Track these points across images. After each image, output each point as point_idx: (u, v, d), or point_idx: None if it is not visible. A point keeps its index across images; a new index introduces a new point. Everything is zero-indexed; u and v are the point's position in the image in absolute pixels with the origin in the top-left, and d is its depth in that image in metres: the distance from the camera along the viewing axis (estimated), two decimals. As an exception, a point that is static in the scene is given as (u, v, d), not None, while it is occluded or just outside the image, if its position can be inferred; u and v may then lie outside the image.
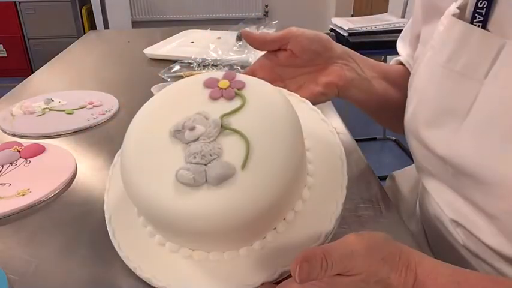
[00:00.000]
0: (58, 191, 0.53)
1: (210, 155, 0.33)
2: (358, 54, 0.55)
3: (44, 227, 0.47)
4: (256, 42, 0.52)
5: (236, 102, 0.37)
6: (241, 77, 0.39)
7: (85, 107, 0.76)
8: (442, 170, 0.45)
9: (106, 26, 2.43)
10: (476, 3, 0.38)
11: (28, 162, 0.58)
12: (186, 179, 0.32)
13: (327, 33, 1.79)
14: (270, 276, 0.35)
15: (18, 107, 0.75)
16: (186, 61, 0.99)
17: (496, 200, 0.38)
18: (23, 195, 0.51)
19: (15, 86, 0.90)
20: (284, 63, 0.53)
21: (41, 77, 0.99)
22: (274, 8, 3.56)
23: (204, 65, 0.97)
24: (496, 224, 0.40)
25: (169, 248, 0.38)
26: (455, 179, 0.43)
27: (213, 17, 3.52)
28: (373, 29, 1.85)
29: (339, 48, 0.53)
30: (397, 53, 0.64)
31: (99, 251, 0.43)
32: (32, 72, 1.01)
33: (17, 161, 0.59)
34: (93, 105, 0.76)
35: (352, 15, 3.32)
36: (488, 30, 0.37)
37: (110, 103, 0.78)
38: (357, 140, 0.65)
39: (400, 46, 0.63)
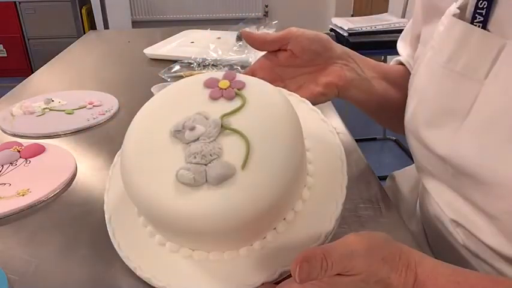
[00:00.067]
0: (58, 191, 0.53)
1: (210, 155, 0.33)
2: (358, 54, 0.55)
3: (44, 227, 0.47)
4: (256, 43, 0.52)
5: (236, 102, 0.37)
6: (241, 77, 0.39)
7: (85, 107, 0.76)
8: (442, 170, 0.45)
9: (106, 26, 2.43)
10: (477, 4, 0.38)
11: (28, 162, 0.58)
12: (186, 179, 0.32)
13: (327, 33, 1.79)
14: (270, 276, 0.35)
15: (18, 107, 0.75)
16: (186, 61, 0.99)
17: (496, 200, 0.38)
18: (23, 195, 0.51)
19: (15, 86, 0.91)
20: (284, 64, 0.53)
21: (41, 77, 0.99)
22: (274, 8, 3.56)
23: (204, 65, 0.97)
24: (496, 224, 0.40)
25: (169, 248, 0.38)
26: (455, 179, 0.43)
27: (213, 17, 3.52)
28: (373, 29, 1.85)
29: (339, 48, 0.53)
30: (397, 53, 0.64)
31: (99, 251, 0.43)
32: (32, 72, 1.01)
33: (17, 161, 0.59)
34: (93, 105, 0.76)
35: (352, 15, 3.32)
36: (488, 31, 0.37)
37: (110, 103, 0.78)
38: (357, 140, 0.65)
39: (401, 46, 0.63)
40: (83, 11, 2.99)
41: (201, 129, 0.35)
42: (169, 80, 0.90)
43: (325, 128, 0.43)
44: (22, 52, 3.16)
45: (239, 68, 0.95)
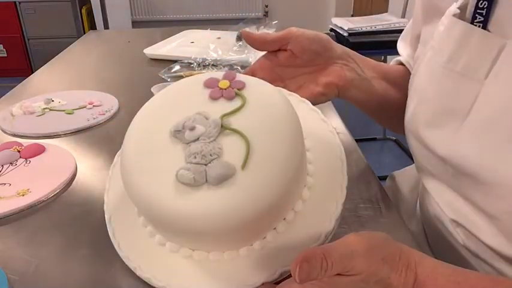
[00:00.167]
0: (58, 191, 0.53)
1: (210, 155, 0.33)
2: (358, 54, 0.55)
3: (44, 227, 0.47)
4: (256, 43, 0.52)
5: (236, 102, 0.37)
6: (241, 77, 0.39)
7: (85, 107, 0.76)
8: (442, 170, 0.45)
9: (106, 26, 2.43)
10: (477, 4, 0.38)
11: (28, 162, 0.58)
12: (186, 179, 0.32)
13: (327, 33, 1.79)
14: (270, 276, 0.35)
15: (18, 107, 0.75)
16: (186, 61, 0.99)
17: (496, 200, 0.38)
18: (23, 195, 0.51)
19: (15, 86, 0.91)
20: (284, 64, 0.53)
21: (41, 77, 0.99)
22: (274, 8, 3.56)
23: (204, 65, 0.97)
24: (496, 224, 0.40)
25: (169, 248, 0.38)
26: (455, 179, 0.43)
27: (213, 17, 3.52)
28: (373, 29, 1.85)
29: (339, 48, 0.53)
30: (397, 53, 0.64)
31: (99, 251, 0.43)
32: (32, 72, 1.01)
33: (17, 161, 0.59)
34: (93, 105, 0.76)
35: (352, 15, 3.32)
36: (488, 31, 0.37)
37: (110, 103, 0.78)
38: (357, 140, 0.65)
39: (401, 46, 0.63)
40: (83, 11, 2.99)
41: (201, 129, 0.35)
42: (169, 80, 0.90)
43: (325, 128, 0.43)
44: (22, 52, 3.16)
45: (239, 68, 0.95)
